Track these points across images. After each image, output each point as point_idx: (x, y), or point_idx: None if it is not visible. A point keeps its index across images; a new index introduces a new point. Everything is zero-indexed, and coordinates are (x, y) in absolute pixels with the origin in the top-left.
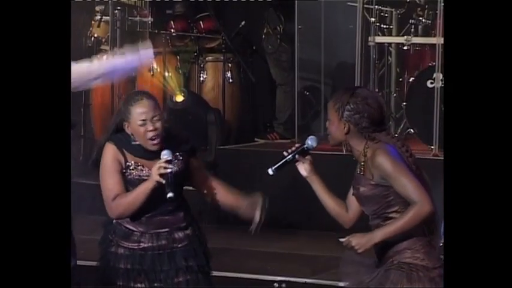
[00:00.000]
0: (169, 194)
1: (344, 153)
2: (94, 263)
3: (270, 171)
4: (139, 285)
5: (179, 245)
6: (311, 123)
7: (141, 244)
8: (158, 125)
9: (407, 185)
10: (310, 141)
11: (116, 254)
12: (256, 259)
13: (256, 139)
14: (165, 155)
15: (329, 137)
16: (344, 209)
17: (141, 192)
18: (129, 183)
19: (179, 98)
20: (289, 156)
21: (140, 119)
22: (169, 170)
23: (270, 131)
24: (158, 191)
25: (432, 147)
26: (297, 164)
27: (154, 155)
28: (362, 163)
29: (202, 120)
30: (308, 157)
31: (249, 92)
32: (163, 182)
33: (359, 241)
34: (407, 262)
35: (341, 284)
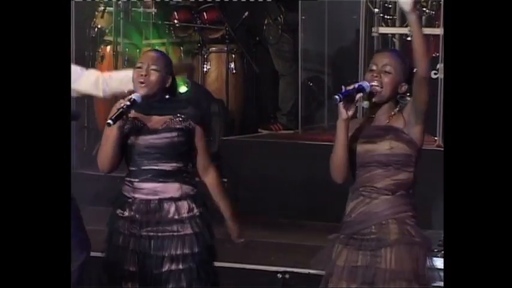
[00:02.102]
0: (108, 121)
1: None
2: (97, 254)
3: (337, 98)
4: (130, 268)
5: (168, 227)
6: (314, 114)
7: (132, 212)
8: (153, 74)
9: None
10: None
11: (113, 231)
12: (260, 250)
13: (259, 130)
14: (133, 95)
15: (380, 95)
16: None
17: (108, 132)
18: (124, 137)
19: (182, 89)
20: (352, 88)
21: (139, 61)
22: (122, 104)
23: (273, 121)
24: (147, 155)
25: (436, 138)
26: (343, 103)
27: (153, 111)
28: (389, 113)
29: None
30: (355, 102)
31: (252, 83)
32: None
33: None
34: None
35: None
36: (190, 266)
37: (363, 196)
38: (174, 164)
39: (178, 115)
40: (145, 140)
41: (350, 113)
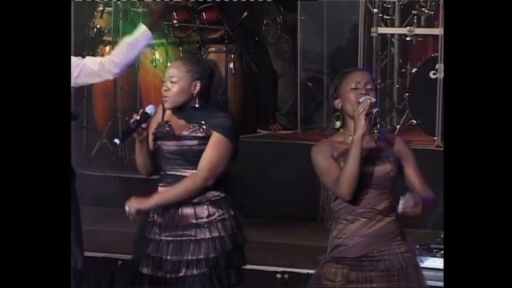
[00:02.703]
0: (115, 140)
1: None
2: (96, 254)
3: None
4: (145, 269)
5: (186, 232)
6: (313, 114)
7: (155, 216)
8: (172, 86)
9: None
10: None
11: (140, 234)
12: (259, 250)
13: (258, 130)
14: (147, 108)
15: (377, 111)
16: None
17: (136, 144)
18: (155, 141)
19: None
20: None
21: (163, 77)
22: (132, 120)
23: (272, 122)
24: (170, 161)
25: (435, 138)
26: (365, 117)
27: (184, 116)
28: (376, 135)
29: None
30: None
31: (251, 83)
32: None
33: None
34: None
35: None
36: (204, 272)
37: (367, 218)
38: (194, 171)
39: (203, 122)
40: (169, 145)
41: (366, 129)
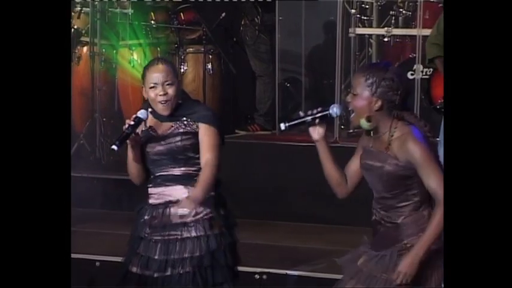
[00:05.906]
0: (113, 146)
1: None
2: (73, 255)
3: (283, 126)
4: (134, 268)
5: (172, 231)
6: (291, 115)
7: (146, 217)
8: (170, 90)
9: (433, 177)
10: (336, 109)
11: (132, 235)
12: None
13: (237, 131)
14: (139, 113)
15: (352, 116)
16: (345, 180)
17: (128, 151)
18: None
19: None
20: (308, 118)
21: (152, 82)
22: (126, 126)
23: (250, 122)
24: (156, 162)
25: None
26: (310, 127)
27: (166, 117)
28: (386, 140)
29: None
30: (323, 122)
31: (229, 84)
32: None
33: (407, 265)
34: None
35: (321, 275)
36: (189, 271)
37: (374, 217)
38: (183, 169)
39: (184, 119)
40: (153, 147)
41: (316, 135)
